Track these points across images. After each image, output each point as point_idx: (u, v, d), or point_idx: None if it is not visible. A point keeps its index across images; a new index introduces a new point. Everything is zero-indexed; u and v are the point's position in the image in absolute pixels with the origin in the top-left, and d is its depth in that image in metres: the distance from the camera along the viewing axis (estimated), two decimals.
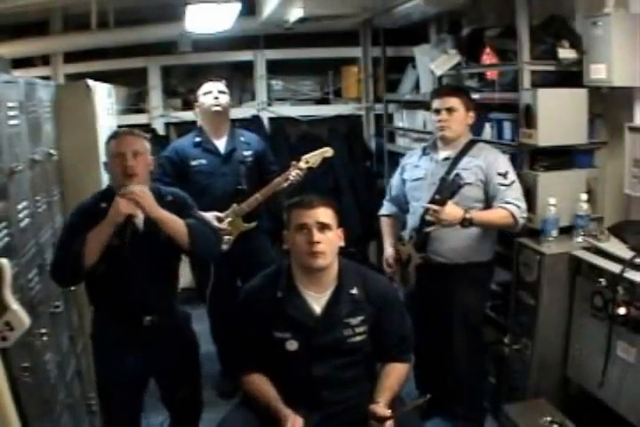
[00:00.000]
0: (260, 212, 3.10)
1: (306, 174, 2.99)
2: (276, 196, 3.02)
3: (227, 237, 2.99)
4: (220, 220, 2.98)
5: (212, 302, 3.19)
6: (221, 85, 3.15)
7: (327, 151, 3.03)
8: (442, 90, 2.96)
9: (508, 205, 2.51)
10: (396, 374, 2.05)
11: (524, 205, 2.54)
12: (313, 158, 3.00)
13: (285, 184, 2.96)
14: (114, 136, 2.23)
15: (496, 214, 2.53)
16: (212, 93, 3.09)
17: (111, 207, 2.06)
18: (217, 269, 3.01)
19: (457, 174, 2.51)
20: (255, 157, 3.17)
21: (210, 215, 2.93)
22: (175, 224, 2.12)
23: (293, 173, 2.95)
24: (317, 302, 2.01)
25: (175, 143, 3.30)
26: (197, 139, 3.14)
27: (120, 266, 2.14)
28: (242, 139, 3.19)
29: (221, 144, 3.14)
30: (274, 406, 1.91)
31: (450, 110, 2.62)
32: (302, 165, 2.96)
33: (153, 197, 2.10)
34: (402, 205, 2.87)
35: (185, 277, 2.48)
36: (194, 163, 3.09)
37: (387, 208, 2.96)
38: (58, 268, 2.11)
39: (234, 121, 3.34)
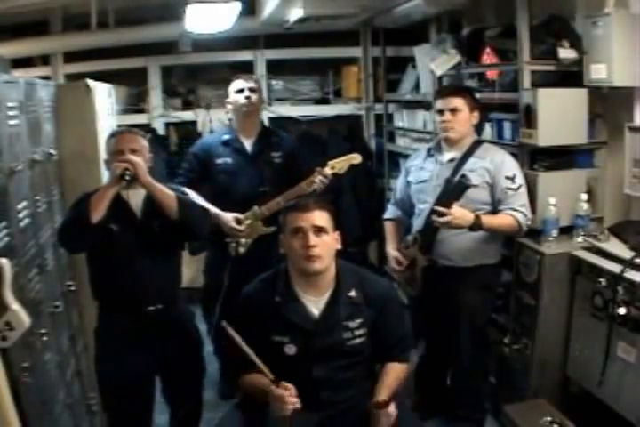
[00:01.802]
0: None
1: (331, 180, 2.87)
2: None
3: (244, 240, 2.95)
4: (238, 221, 2.93)
5: (225, 305, 3.12)
6: (253, 83, 3.09)
7: (355, 158, 2.87)
8: (445, 90, 2.94)
9: (515, 213, 2.51)
10: (395, 373, 2.05)
11: (529, 213, 2.54)
12: (339, 164, 2.86)
13: (309, 189, 2.83)
14: (113, 135, 2.34)
15: (503, 221, 2.52)
16: (244, 92, 3.02)
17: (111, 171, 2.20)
18: (233, 271, 2.93)
19: (463, 175, 2.49)
20: (285, 158, 3.09)
21: (229, 216, 2.92)
22: (165, 192, 2.23)
23: (317, 179, 2.82)
24: (315, 305, 2.00)
25: (203, 139, 3.26)
26: (226, 136, 3.09)
27: (122, 254, 2.22)
28: (273, 139, 3.12)
29: (250, 143, 3.08)
30: (267, 388, 1.87)
31: (453, 111, 2.59)
32: (327, 170, 2.83)
33: (144, 165, 2.22)
34: (407, 208, 2.84)
35: (185, 276, 2.49)
36: (219, 161, 3.04)
37: (391, 212, 2.92)
38: (65, 227, 2.19)
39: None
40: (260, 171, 3.03)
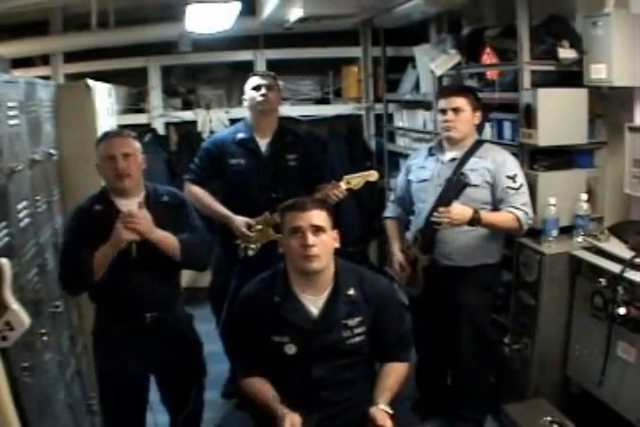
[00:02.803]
0: None
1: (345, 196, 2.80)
2: None
3: (253, 245, 2.91)
4: (249, 226, 2.89)
5: (233, 306, 3.10)
6: (272, 81, 3.02)
7: (372, 175, 2.80)
8: (448, 89, 2.92)
9: (515, 211, 2.50)
10: (395, 373, 2.05)
11: (530, 212, 2.53)
12: (355, 180, 2.78)
13: None
14: (102, 139, 2.26)
15: (503, 218, 2.52)
16: (261, 90, 2.97)
17: (113, 234, 2.11)
18: (242, 272, 2.86)
19: (461, 173, 2.50)
20: (300, 161, 3.04)
21: (241, 221, 2.88)
22: (169, 242, 2.19)
23: (332, 194, 2.74)
24: (314, 304, 2.00)
25: (217, 135, 3.19)
26: (240, 135, 3.01)
27: (121, 268, 2.17)
28: (288, 140, 3.06)
29: (264, 144, 3.02)
30: (272, 406, 1.90)
31: (456, 110, 2.58)
32: (343, 185, 2.76)
33: (150, 220, 2.14)
34: (407, 206, 2.84)
35: (186, 276, 2.48)
36: (232, 161, 2.97)
37: (391, 210, 2.92)
38: (67, 281, 2.21)
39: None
40: (274, 175, 2.98)
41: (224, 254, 3.08)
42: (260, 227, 2.90)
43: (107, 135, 2.29)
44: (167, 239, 2.18)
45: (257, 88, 2.99)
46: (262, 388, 1.97)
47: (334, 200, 2.75)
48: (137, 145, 2.25)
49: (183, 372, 2.37)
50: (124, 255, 2.17)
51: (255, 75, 3.07)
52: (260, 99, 2.97)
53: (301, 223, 1.93)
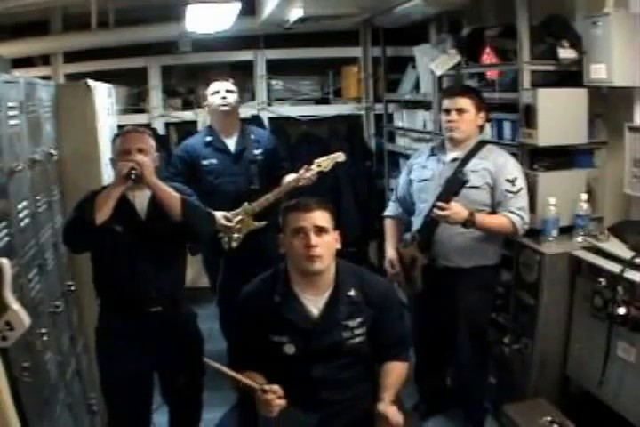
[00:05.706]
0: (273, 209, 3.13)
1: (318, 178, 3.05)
2: (288, 196, 3.03)
3: (236, 235, 3.06)
4: (228, 219, 3.04)
5: (221, 296, 3.25)
6: (229, 84, 3.18)
7: (339, 156, 3.07)
8: (452, 89, 2.90)
9: (511, 215, 2.50)
10: (396, 372, 2.05)
11: (527, 217, 2.52)
12: (325, 162, 3.05)
13: (297, 186, 3.02)
14: (119, 134, 2.32)
15: (498, 221, 2.51)
16: (220, 93, 3.12)
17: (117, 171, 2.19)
18: (227, 264, 3.11)
19: (460, 171, 2.50)
20: (265, 155, 3.20)
21: (219, 215, 2.97)
22: (169, 193, 2.22)
23: (305, 176, 3.00)
24: (315, 305, 2.00)
25: (187, 142, 3.31)
26: (208, 138, 3.18)
27: (125, 255, 2.21)
28: (252, 137, 3.23)
29: (232, 143, 3.19)
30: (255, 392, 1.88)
31: (460, 111, 2.57)
32: (314, 168, 3.02)
33: (152, 168, 2.20)
34: (408, 206, 2.83)
35: (189, 276, 2.50)
36: (205, 162, 3.14)
37: (392, 209, 2.92)
38: (70, 227, 2.18)
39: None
40: (247, 169, 3.14)
41: (210, 253, 3.25)
42: (239, 218, 3.07)
43: (124, 131, 2.35)
44: (166, 189, 2.22)
45: (216, 93, 3.14)
46: (256, 378, 1.96)
47: (307, 183, 3.00)
48: (152, 142, 2.32)
49: (185, 371, 2.37)
50: (127, 244, 2.20)
51: (215, 80, 3.22)
52: (219, 101, 3.13)
53: (304, 224, 1.94)
